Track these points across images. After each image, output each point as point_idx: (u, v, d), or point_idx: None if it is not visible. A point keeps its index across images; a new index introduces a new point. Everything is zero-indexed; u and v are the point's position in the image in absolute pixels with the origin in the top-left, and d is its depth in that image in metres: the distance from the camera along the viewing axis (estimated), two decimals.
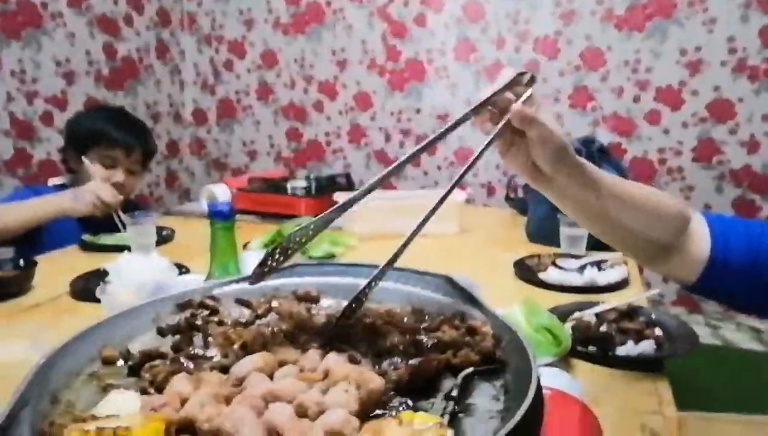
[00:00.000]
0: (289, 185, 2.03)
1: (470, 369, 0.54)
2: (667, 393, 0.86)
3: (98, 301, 1.01)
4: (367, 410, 0.49)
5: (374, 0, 3.01)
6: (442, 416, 0.48)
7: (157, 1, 3.22)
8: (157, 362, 0.55)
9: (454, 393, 0.51)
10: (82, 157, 1.73)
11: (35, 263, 1.35)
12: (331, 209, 0.63)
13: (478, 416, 0.49)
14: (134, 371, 0.55)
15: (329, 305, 0.70)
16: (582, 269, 1.39)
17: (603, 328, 1.04)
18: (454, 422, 0.47)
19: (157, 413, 0.46)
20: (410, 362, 0.53)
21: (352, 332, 0.61)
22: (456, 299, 0.67)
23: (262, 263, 0.64)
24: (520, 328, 0.56)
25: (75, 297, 1.27)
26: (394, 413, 0.48)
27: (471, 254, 1.64)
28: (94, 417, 0.45)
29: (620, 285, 1.32)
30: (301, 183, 2.01)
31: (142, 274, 1.30)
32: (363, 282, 0.63)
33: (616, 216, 0.74)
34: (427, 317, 0.64)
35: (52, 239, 1.67)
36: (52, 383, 0.50)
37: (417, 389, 0.53)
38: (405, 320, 0.63)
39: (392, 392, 0.51)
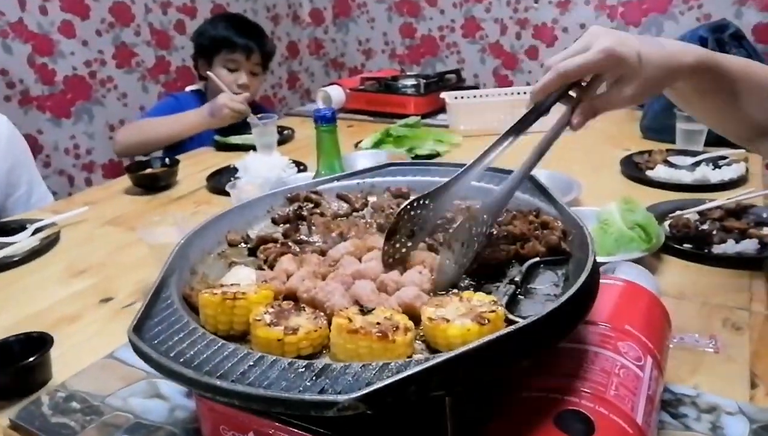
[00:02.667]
0: (399, 84, 2.07)
1: (536, 259, 0.60)
2: (762, 291, 0.84)
3: (229, 194, 1.16)
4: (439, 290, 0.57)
5: None
6: (504, 296, 0.54)
7: None
8: (270, 245, 0.66)
9: (517, 279, 0.57)
10: (209, 67, 1.90)
11: (178, 162, 1.55)
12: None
13: (536, 298, 0.55)
14: (252, 252, 0.68)
15: None
16: (695, 166, 1.33)
17: (705, 226, 1.03)
18: (513, 302, 0.54)
19: (268, 284, 0.57)
20: (480, 251, 0.60)
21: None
22: (536, 196, 0.72)
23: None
24: (586, 223, 0.60)
25: (210, 190, 1.45)
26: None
27: (580, 150, 1.61)
28: (221, 286, 0.57)
29: (735, 183, 1.24)
30: (410, 82, 2.04)
31: (265, 171, 1.46)
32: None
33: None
34: (504, 212, 0.69)
35: (191, 140, 1.89)
36: (191, 258, 0.63)
37: (488, 274, 0.60)
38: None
39: (463, 276, 0.59)
